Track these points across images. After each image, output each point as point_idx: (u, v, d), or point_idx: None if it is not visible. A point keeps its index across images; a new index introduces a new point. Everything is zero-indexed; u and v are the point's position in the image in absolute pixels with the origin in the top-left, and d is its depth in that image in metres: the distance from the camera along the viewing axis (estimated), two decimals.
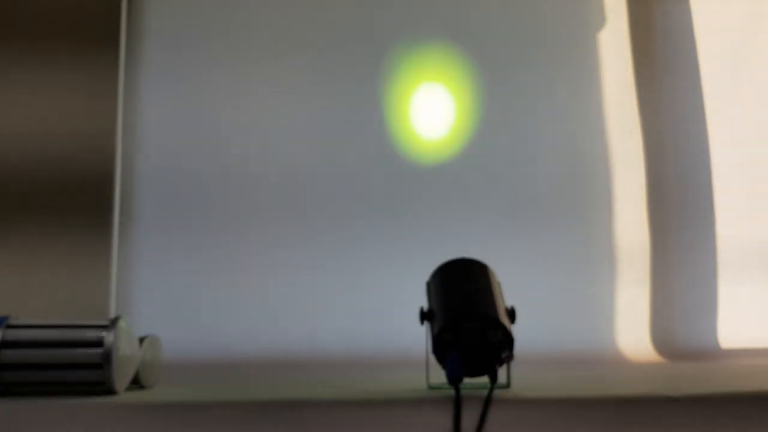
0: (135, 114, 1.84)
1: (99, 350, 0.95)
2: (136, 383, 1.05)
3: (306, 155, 1.86)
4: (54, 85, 1.74)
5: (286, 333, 1.76)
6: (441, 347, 0.94)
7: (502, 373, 0.96)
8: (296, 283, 1.81)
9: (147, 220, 1.80)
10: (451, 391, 0.88)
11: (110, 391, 0.96)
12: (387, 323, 1.73)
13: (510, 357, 0.94)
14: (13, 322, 0.98)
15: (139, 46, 1.86)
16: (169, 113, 1.85)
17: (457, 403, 0.84)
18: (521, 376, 1.01)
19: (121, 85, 1.80)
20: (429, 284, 1.06)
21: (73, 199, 1.70)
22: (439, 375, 0.96)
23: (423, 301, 1.67)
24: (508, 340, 0.94)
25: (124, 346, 0.98)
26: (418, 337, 1.54)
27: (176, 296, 1.77)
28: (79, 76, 1.75)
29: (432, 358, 0.95)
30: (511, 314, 0.98)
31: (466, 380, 0.94)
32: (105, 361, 0.95)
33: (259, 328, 1.76)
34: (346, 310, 1.79)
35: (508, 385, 0.98)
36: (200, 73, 1.87)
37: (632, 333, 1.85)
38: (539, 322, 1.68)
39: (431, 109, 1.93)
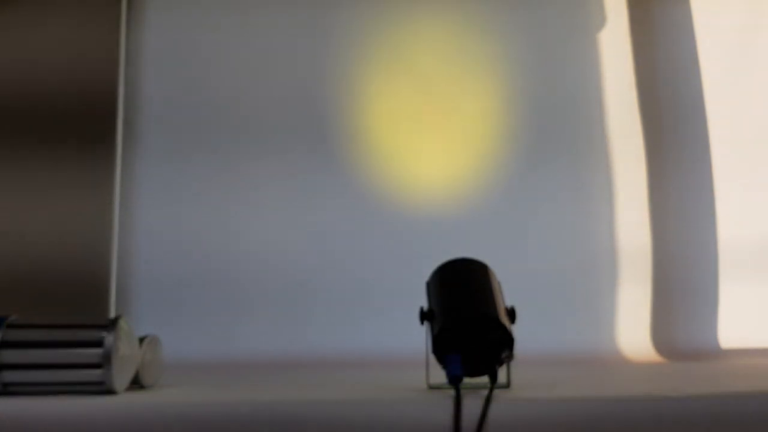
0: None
1: (99, 350, 0.95)
2: (136, 383, 1.05)
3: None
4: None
5: (284, 333, 1.76)
6: (441, 347, 0.94)
7: (502, 373, 0.96)
8: (295, 282, 1.82)
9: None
10: (451, 391, 0.88)
11: (110, 391, 0.96)
12: (387, 323, 1.73)
13: (510, 357, 0.94)
14: (13, 322, 0.98)
15: None
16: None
17: (457, 403, 0.84)
18: (521, 376, 1.01)
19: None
20: (429, 284, 1.06)
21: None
22: (439, 375, 0.96)
23: (423, 301, 1.67)
24: (508, 340, 0.94)
25: (124, 346, 0.98)
26: (418, 337, 1.54)
27: (175, 296, 1.77)
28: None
29: (432, 358, 0.95)
30: (511, 314, 0.98)
31: (466, 380, 0.94)
32: (105, 361, 0.95)
33: (256, 328, 1.76)
34: (346, 310, 1.79)
35: (508, 385, 0.97)
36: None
37: (632, 333, 1.85)
38: (539, 322, 1.68)
39: (424, 120, 1.93)
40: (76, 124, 1.77)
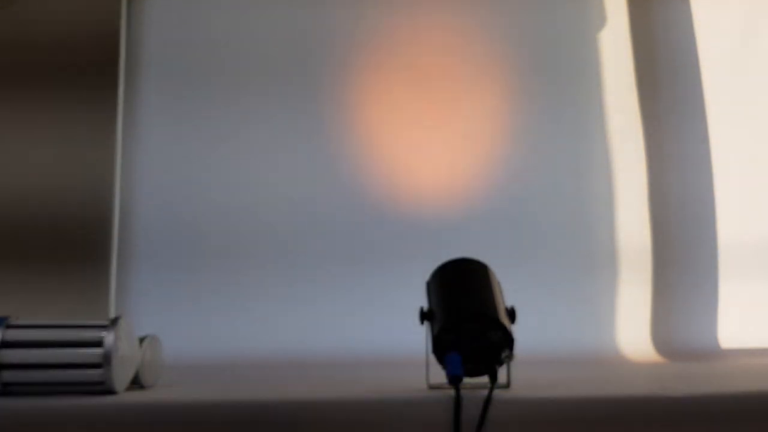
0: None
1: (99, 350, 0.95)
2: (136, 383, 1.05)
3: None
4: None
5: (284, 333, 1.76)
6: (441, 347, 0.94)
7: (502, 373, 0.96)
8: (295, 282, 1.82)
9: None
10: (451, 391, 0.88)
11: (110, 391, 0.96)
12: (387, 323, 1.73)
13: (510, 357, 0.94)
14: (13, 322, 0.98)
15: None
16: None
17: (457, 403, 0.84)
18: (521, 376, 1.01)
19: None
20: (429, 284, 1.06)
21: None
22: (439, 375, 0.96)
23: (423, 301, 1.67)
24: (508, 340, 0.94)
25: (124, 346, 0.98)
26: (418, 337, 1.54)
27: (175, 296, 1.78)
28: None
29: (432, 358, 0.95)
30: (511, 314, 0.98)
31: (466, 380, 0.94)
32: (105, 361, 0.95)
33: (257, 328, 1.76)
34: (346, 309, 1.79)
35: (508, 385, 0.97)
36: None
37: (632, 333, 1.85)
38: (539, 322, 1.68)
39: (424, 119, 1.93)
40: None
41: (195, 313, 1.77)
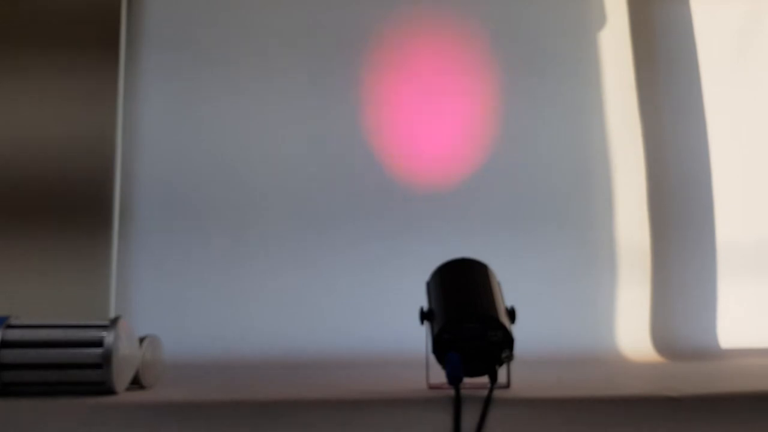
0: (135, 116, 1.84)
1: (99, 350, 0.95)
2: (136, 383, 1.05)
3: (303, 157, 1.87)
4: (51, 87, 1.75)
5: (284, 332, 1.76)
6: (441, 347, 0.94)
7: (502, 373, 0.96)
8: (295, 282, 1.82)
9: (146, 221, 1.80)
10: (451, 391, 0.88)
11: (110, 391, 0.96)
12: (386, 322, 1.73)
13: (510, 357, 0.94)
14: (13, 322, 0.98)
15: None
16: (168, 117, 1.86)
17: (457, 403, 0.84)
18: (521, 376, 1.01)
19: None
20: (429, 284, 1.06)
21: (73, 203, 1.71)
22: (439, 375, 0.96)
23: (423, 300, 1.67)
24: (508, 340, 0.94)
25: (124, 346, 0.98)
26: (418, 337, 1.54)
27: (174, 296, 1.77)
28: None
29: (432, 358, 0.95)
30: (511, 314, 0.98)
31: (466, 380, 0.94)
32: (105, 361, 0.95)
33: (257, 328, 1.76)
34: (345, 309, 1.79)
35: (508, 385, 0.97)
36: (199, 72, 1.87)
37: (632, 333, 1.85)
38: (539, 322, 1.68)
39: (427, 110, 1.93)
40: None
41: (195, 312, 1.77)
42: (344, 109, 1.89)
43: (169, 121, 1.86)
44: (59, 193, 1.70)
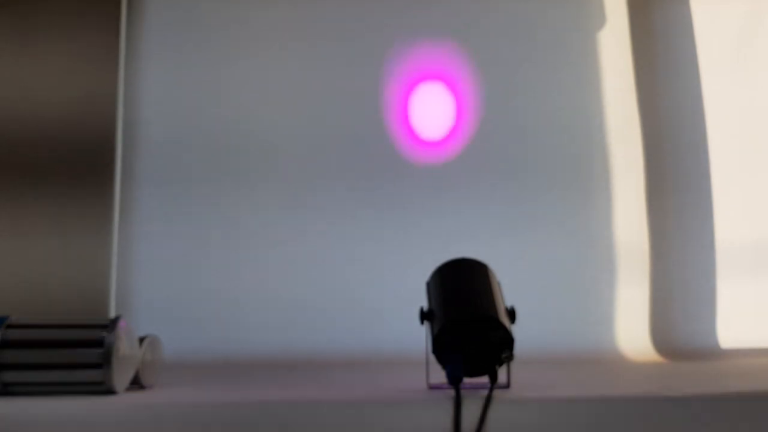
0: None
1: (99, 350, 0.95)
2: (136, 383, 1.05)
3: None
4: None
5: (284, 331, 1.76)
6: (441, 347, 0.94)
7: (502, 373, 0.96)
8: (294, 283, 1.82)
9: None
10: (451, 391, 0.88)
11: (110, 391, 0.96)
12: (386, 322, 1.73)
13: (510, 357, 0.94)
14: (13, 322, 0.98)
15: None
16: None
17: (457, 403, 0.84)
18: (521, 376, 1.01)
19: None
20: (429, 284, 1.06)
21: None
22: (439, 375, 0.96)
23: (423, 300, 1.67)
24: (508, 340, 0.94)
25: (124, 346, 0.98)
26: (418, 337, 1.54)
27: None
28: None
29: (432, 358, 0.95)
30: (511, 314, 0.98)
31: (466, 380, 0.94)
32: (105, 361, 0.95)
33: (257, 325, 1.76)
34: (346, 309, 1.79)
35: (508, 385, 0.97)
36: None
37: (632, 333, 1.85)
38: (539, 322, 1.68)
39: (429, 99, 1.93)
40: None
41: (195, 312, 1.77)
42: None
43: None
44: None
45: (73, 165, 1.72)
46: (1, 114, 1.72)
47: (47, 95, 1.72)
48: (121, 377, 0.97)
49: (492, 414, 0.83)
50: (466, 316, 0.94)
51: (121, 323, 0.99)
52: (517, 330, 0.96)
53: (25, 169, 1.71)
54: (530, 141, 1.93)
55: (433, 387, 1.00)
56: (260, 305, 1.79)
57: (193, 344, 1.65)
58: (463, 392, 0.87)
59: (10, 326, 0.97)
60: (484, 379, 0.94)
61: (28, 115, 1.72)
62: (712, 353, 1.79)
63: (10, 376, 0.95)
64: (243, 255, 1.82)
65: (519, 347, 0.96)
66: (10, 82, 1.73)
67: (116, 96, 1.77)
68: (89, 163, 1.74)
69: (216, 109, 1.86)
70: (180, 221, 1.82)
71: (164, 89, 1.85)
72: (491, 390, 0.88)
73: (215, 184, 1.84)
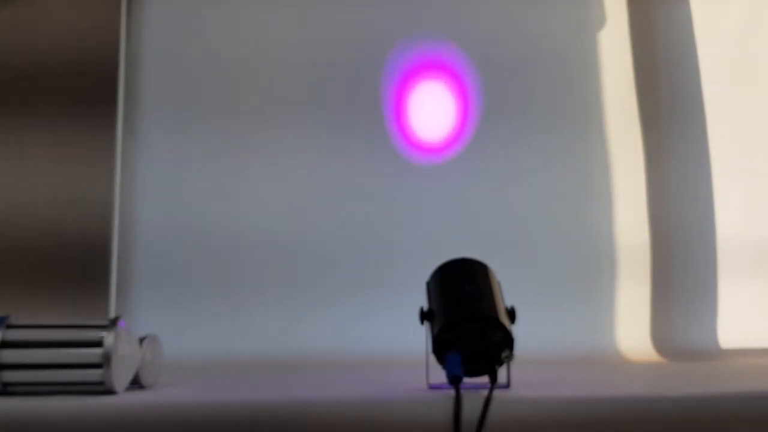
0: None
1: (99, 350, 0.95)
2: (136, 383, 1.05)
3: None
4: None
5: (284, 333, 1.76)
6: (441, 347, 0.94)
7: (502, 373, 0.96)
8: (294, 283, 1.82)
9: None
10: (451, 391, 0.88)
11: (110, 391, 0.96)
12: (386, 323, 1.73)
13: (510, 357, 0.94)
14: (13, 322, 0.98)
15: None
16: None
17: (457, 403, 0.84)
18: (521, 376, 1.01)
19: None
20: (429, 284, 1.06)
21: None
22: (439, 375, 0.96)
23: (422, 301, 1.67)
24: (508, 340, 0.94)
25: (124, 346, 0.98)
26: (418, 337, 1.54)
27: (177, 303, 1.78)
28: None
29: (432, 358, 0.95)
30: (511, 314, 0.98)
31: (466, 380, 0.94)
32: (105, 361, 0.95)
33: (257, 329, 1.76)
34: (346, 308, 1.79)
35: (508, 385, 0.97)
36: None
37: (632, 333, 1.85)
38: (539, 322, 1.68)
39: (430, 106, 1.94)
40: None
41: (195, 314, 1.77)
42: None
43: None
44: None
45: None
46: None
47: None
48: (121, 377, 0.97)
49: (492, 414, 0.83)
50: (466, 316, 0.94)
51: (121, 323, 0.99)
52: (517, 330, 0.96)
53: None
54: (530, 142, 1.93)
55: (433, 387, 1.00)
56: (260, 306, 1.79)
57: (193, 344, 1.65)
58: (463, 392, 0.87)
59: (9, 326, 0.97)
60: (484, 379, 0.94)
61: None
62: (713, 353, 1.79)
63: (10, 376, 0.95)
64: (243, 258, 1.83)
65: (519, 347, 0.96)
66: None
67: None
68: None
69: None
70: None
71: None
72: (491, 390, 0.88)
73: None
